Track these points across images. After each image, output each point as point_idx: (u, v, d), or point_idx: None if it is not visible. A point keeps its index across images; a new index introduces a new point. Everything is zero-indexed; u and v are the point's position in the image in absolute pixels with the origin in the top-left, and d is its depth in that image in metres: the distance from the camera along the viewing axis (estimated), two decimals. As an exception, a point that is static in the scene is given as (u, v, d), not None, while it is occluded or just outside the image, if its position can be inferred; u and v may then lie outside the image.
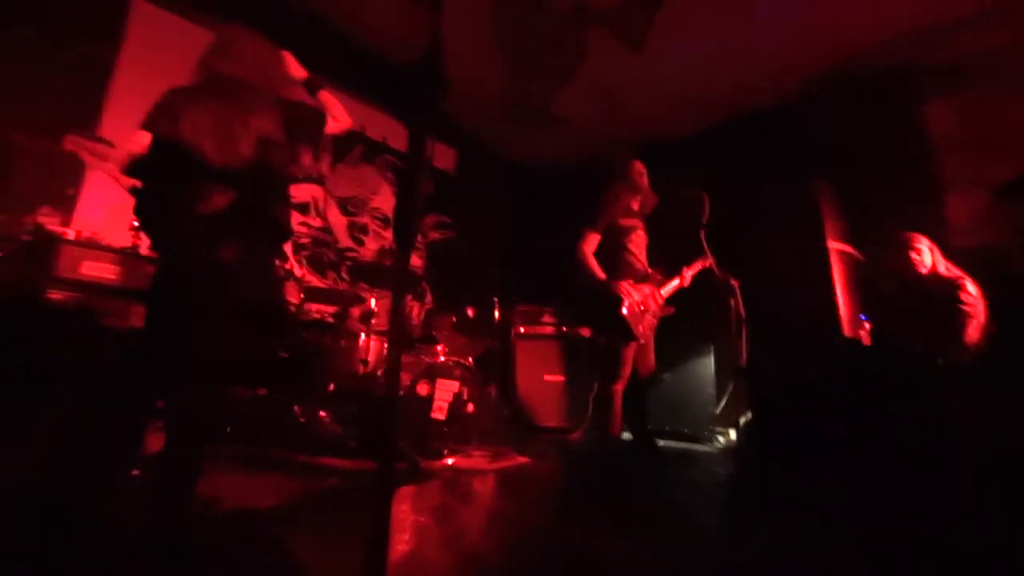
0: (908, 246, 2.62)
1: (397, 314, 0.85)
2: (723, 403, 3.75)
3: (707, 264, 2.73)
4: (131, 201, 1.52)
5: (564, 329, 4.24)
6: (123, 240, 2.31)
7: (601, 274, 2.64)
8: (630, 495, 2.26)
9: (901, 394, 2.22)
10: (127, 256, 2.23)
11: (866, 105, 3.69)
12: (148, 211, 1.52)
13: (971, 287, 2.44)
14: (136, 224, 1.62)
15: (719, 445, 3.64)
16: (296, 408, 2.69)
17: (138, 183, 1.52)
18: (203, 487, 1.56)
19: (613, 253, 2.75)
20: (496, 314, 3.66)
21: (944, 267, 2.58)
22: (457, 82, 4.63)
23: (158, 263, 1.56)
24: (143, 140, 1.51)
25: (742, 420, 3.02)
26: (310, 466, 2.31)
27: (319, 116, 1.82)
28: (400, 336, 0.88)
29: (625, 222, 2.78)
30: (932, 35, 3.41)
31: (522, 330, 4.21)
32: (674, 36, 3.81)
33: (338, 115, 1.84)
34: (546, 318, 4.29)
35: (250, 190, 1.54)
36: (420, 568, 1.27)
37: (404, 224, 0.86)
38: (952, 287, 2.47)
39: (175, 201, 1.47)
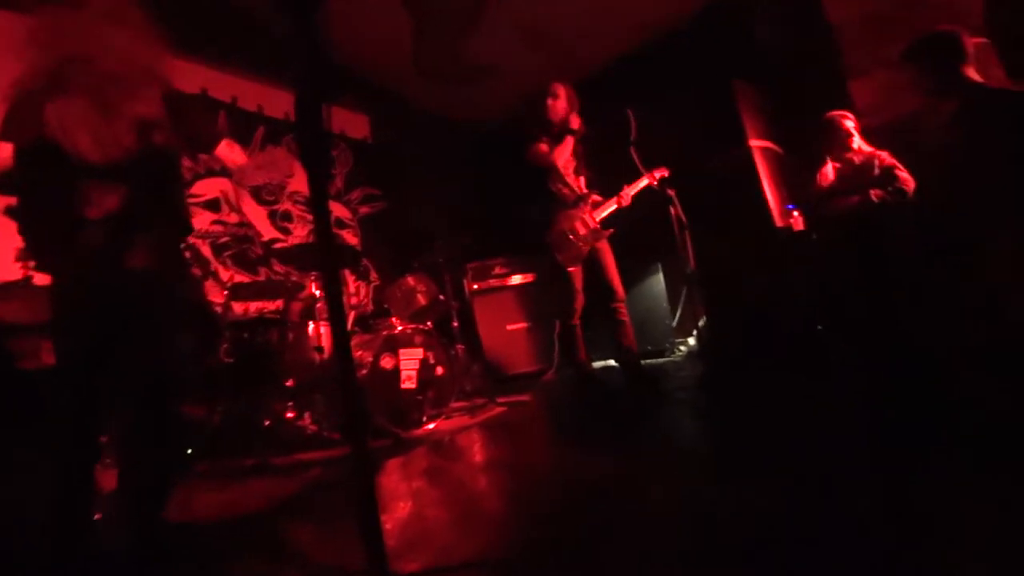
0: (838, 124, 2.68)
1: (330, 291, 0.78)
2: (678, 314, 3.92)
3: (650, 181, 2.73)
4: (11, 225, 1.32)
5: (516, 277, 4.25)
6: (12, 272, 2.03)
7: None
8: (609, 418, 2.35)
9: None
10: (21, 289, 1.98)
11: (770, 5, 3.73)
12: (32, 229, 1.32)
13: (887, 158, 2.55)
14: (21, 250, 1.42)
15: (681, 353, 3.84)
16: (260, 412, 2.57)
17: (12, 199, 1.31)
18: (176, 514, 1.47)
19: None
20: (445, 275, 3.59)
21: (862, 148, 2.65)
22: (362, 42, 4.34)
23: (55, 287, 1.37)
24: (2, 152, 1.29)
25: (699, 323, 3.18)
26: (289, 465, 2.24)
27: (209, 116, 1.62)
28: (338, 310, 0.81)
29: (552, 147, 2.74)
30: None
31: (476, 286, 4.18)
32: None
33: (230, 144, 1.67)
34: (497, 270, 4.27)
35: (142, 182, 1.36)
36: (423, 528, 1.27)
37: (315, 190, 0.77)
38: (877, 158, 2.55)
39: (60, 210, 1.28)
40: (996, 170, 1.90)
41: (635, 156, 2.65)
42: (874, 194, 2.38)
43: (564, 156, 2.73)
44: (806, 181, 2.85)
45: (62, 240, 1.29)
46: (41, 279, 1.94)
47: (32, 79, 1.29)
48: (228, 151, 1.67)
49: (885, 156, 2.55)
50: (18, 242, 1.33)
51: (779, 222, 3.02)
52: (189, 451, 2.29)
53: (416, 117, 5.45)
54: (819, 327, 2.60)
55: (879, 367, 2.10)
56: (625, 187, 2.79)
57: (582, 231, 2.69)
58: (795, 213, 3.09)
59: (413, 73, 4.87)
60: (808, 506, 1.06)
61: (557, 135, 2.75)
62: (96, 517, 1.56)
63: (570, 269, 2.69)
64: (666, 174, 2.78)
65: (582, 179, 2.83)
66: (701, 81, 3.36)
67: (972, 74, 2.04)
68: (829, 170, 2.75)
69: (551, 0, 4.03)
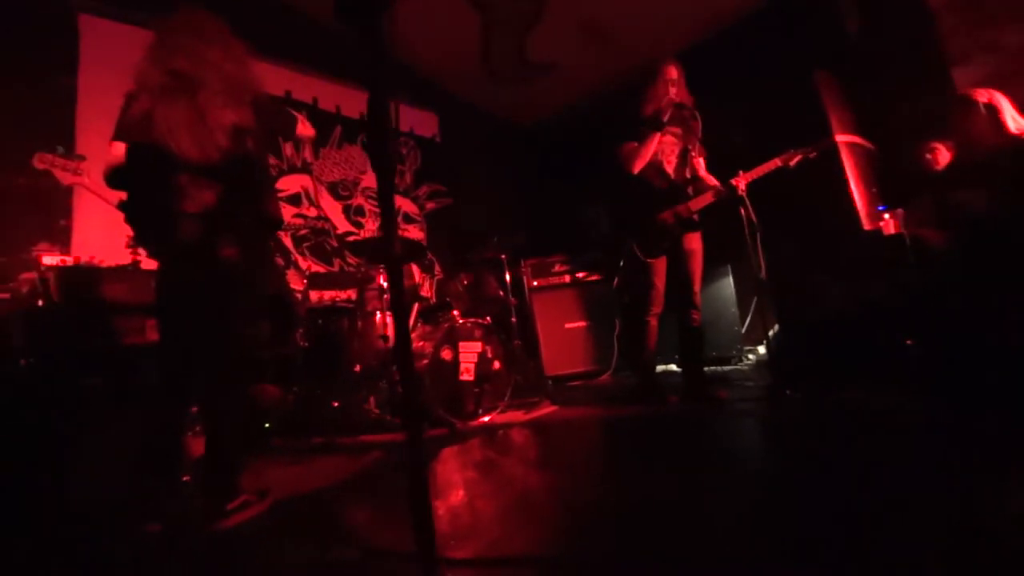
0: (970, 101, 2.14)
1: (394, 282, 0.82)
2: (748, 320, 3.71)
3: (784, 161, 2.42)
4: (121, 216, 1.50)
5: (578, 275, 4.21)
6: (123, 257, 2.31)
7: (640, 162, 2.53)
8: (666, 426, 2.28)
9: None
10: (131, 272, 2.24)
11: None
12: (139, 220, 1.50)
13: None
14: (131, 238, 1.61)
15: (749, 362, 3.64)
16: (330, 395, 2.75)
17: (123, 194, 1.50)
18: (250, 482, 1.61)
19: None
20: (506, 272, 3.63)
21: (1016, 126, 2.07)
22: (431, 44, 4.49)
23: (159, 271, 1.55)
24: (117, 151, 1.47)
25: (770, 333, 2.99)
26: (353, 446, 2.37)
27: (290, 115, 1.77)
28: (400, 301, 0.85)
29: (652, 131, 2.55)
30: None
31: (535, 283, 4.19)
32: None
33: (304, 122, 1.80)
34: (557, 268, 4.25)
35: (235, 180, 1.51)
36: (474, 518, 1.30)
37: (383, 183, 0.81)
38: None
39: (163, 204, 1.45)
40: None
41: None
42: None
43: (667, 140, 2.59)
44: (906, 173, 2.53)
45: (164, 230, 1.46)
46: (148, 264, 2.20)
47: (144, 89, 1.46)
48: (303, 128, 1.80)
49: None
50: (128, 231, 1.50)
51: (867, 225, 2.77)
52: (267, 426, 2.50)
53: (480, 117, 5.56)
54: (908, 342, 2.36)
55: (979, 389, 1.88)
56: (740, 174, 2.47)
57: (670, 221, 2.55)
58: (886, 215, 2.82)
59: (478, 74, 4.96)
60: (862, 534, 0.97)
61: (656, 121, 2.53)
62: (185, 479, 1.75)
63: (649, 260, 2.58)
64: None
65: (691, 165, 2.64)
66: (780, 72, 3.15)
67: None
68: (943, 155, 2.41)
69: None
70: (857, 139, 2.97)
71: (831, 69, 3.16)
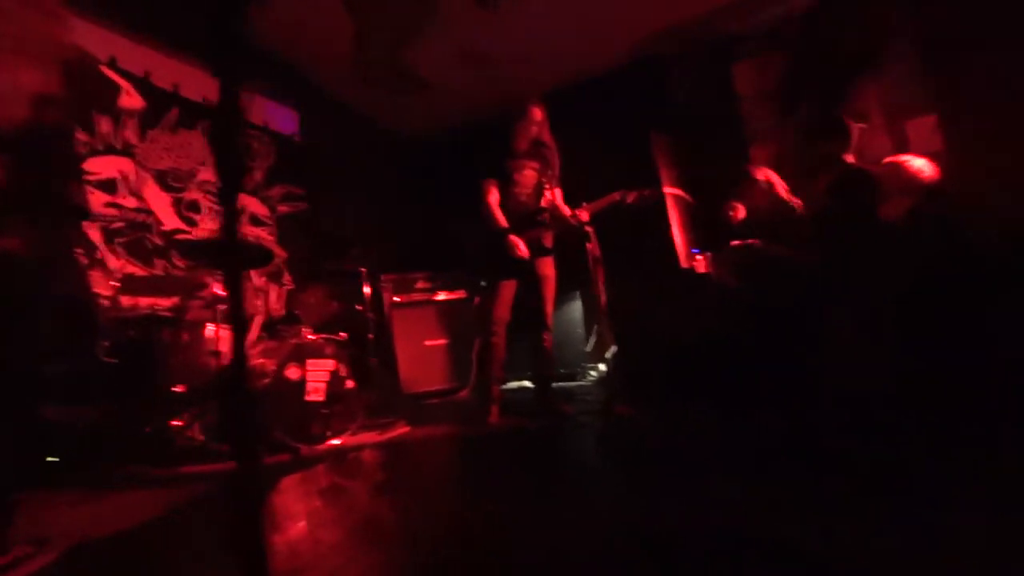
0: (751, 176, 2.85)
1: (233, 291, 0.75)
2: (592, 341, 4.12)
3: (618, 198, 2.75)
4: None
5: (440, 293, 4.23)
6: None
7: (503, 223, 2.72)
8: (514, 440, 2.41)
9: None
10: None
11: (691, 66, 4.15)
12: None
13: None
14: None
15: (591, 378, 4.03)
16: (142, 418, 2.32)
17: None
18: (23, 530, 1.28)
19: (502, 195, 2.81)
20: (365, 286, 3.50)
21: (785, 194, 2.79)
22: (300, 36, 4.19)
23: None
24: None
25: (607, 354, 3.36)
26: (169, 478, 2.04)
27: (111, 82, 1.49)
28: (239, 315, 0.78)
29: (515, 163, 2.82)
30: (742, 5, 3.92)
31: (397, 299, 4.11)
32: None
33: (130, 91, 1.54)
34: (419, 284, 4.23)
35: (30, 160, 1.22)
36: (314, 547, 1.22)
37: (226, 184, 0.75)
38: (795, 207, 2.72)
39: None
40: (851, 234, 2.28)
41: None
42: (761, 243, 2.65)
43: (526, 174, 2.81)
44: (714, 222, 3.12)
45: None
46: None
47: None
48: (130, 99, 1.54)
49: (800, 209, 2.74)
50: None
51: (684, 263, 3.32)
52: (52, 458, 2.01)
53: (347, 119, 5.32)
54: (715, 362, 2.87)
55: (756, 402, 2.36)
56: (584, 206, 2.75)
57: (523, 250, 2.71)
58: (698, 256, 3.41)
59: (348, 75, 4.78)
60: (690, 520, 1.17)
61: (523, 153, 2.82)
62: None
63: (502, 282, 2.74)
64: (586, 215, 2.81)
65: (547, 194, 2.86)
66: (624, 126, 3.64)
67: (847, 157, 2.45)
68: (740, 211, 3.02)
69: (492, 26, 4.15)
70: (679, 192, 3.56)
71: (664, 129, 3.76)
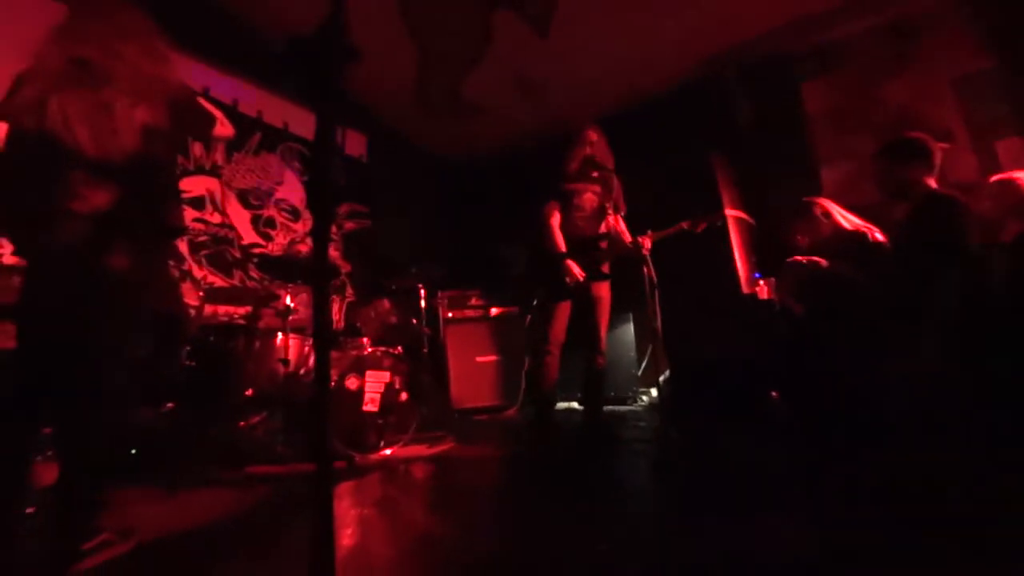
0: (808, 210, 2.76)
1: (320, 308, 0.81)
2: (644, 365, 4.01)
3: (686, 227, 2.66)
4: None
5: (493, 310, 4.29)
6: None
7: (562, 247, 2.72)
8: (566, 465, 2.37)
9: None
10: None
11: (754, 87, 4.05)
12: (9, 212, 1.32)
13: (877, 235, 2.56)
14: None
15: (643, 404, 3.91)
16: (214, 420, 2.50)
17: None
18: (113, 520, 1.41)
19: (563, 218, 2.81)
20: (422, 301, 3.62)
21: (847, 223, 2.66)
22: (367, 65, 4.45)
23: (28, 271, 1.35)
24: None
25: (661, 379, 3.27)
26: (237, 479, 2.17)
27: (209, 115, 1.66)
28: (325, 331, 0.84)
29: (575, 187, 2.80)
30: (806, 23, 3.80)
31: (450, 315, 4.21)
32: (580, 24, 3.90)
33: (223, 121, 1.71)
34: (473, 301, 4.31)
35: (135, 184, 1.38)
36: (367, 561, 1.26)
37: (320, 212, 0.82)
38: (857, 236, 2.58)
39: (44, 198, 1.28)
40: (926, 262, 2.12)
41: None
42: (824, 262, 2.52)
43: (587, 198, 2.81)
44: (778, 248, 3.00)
45: (41, 227, 1.30)
46: (9, 259, 1.90)
47: (42, 71, 1.32)
48: (222, 128, 1.71)
49: (865, 232, 2.59)
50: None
51: (746, 289, 3.19)
52: (133, 452, 2.20)
53: (408, 145, 5.59)
54: (773, 394, 2.72)
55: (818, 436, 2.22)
56: (649, 233, 2.66)
57: (578, 273, 2.70)
58: (761, 282, 3.27)
59: (409, 103, 5.02)
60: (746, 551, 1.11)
61: (584, 176, 2.80)
62: (29, 511, 1.50)
63: (558, 303, 2.74)
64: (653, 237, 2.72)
65: (609, 219, 2.84)
66: (683, 149, 3.58)
67: (929, 181, 2.28)
68: (803, 240, 2.89)
69: (546, 51, 4.23)
70: (742, 214, 3.44)
71: (724, 151, 3.67)
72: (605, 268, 2.80)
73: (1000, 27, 3.30)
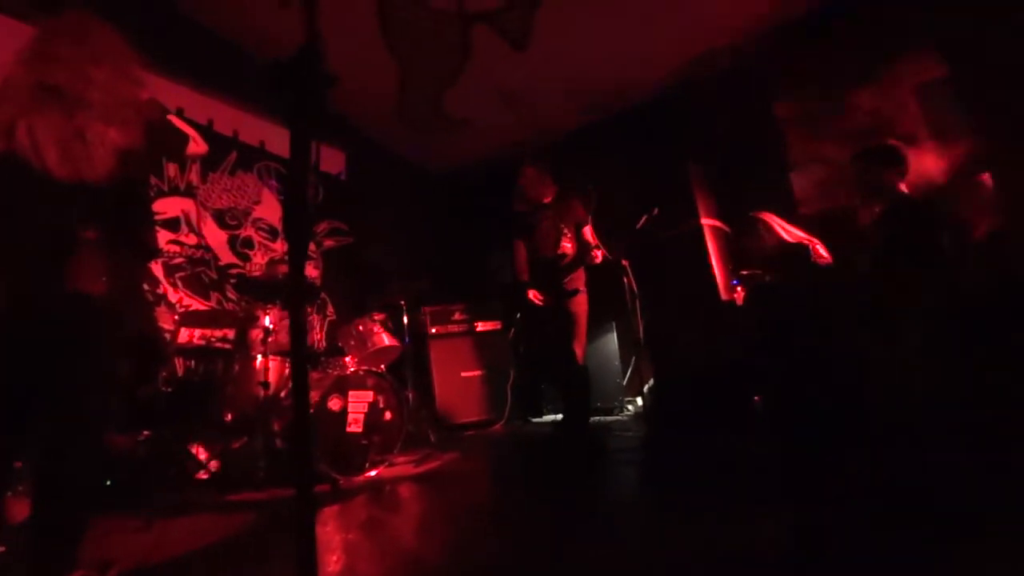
0: (752, 225, 2.96)
1: (297, 329, 0.81)
2: (628, 374, 4.04)
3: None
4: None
5: (477, 324, 4.28)
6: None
7: (524, 277, 2.95)
8: (555, 477, 2.37)
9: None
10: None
11: (726, 96, 4.17)
12: None
13: (820, 248, 2.77)
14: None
15: (628, 413, 3.93)
16: (192, 446, 2.43)
17: None
18: (90, 552, 1.36)
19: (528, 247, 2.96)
20: (404, 318, 3.59)
21: (788, 236, 2.87)
22: (345, 80, 4.47)
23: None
24: None
25: (645, 388, 3.29)
26: (218, 505, 2.11)
27: (182, 134, 1.64)
28: (302, 352, 0.83)
29: (529, 219, 2.98)
30: (778, 35, 3.94)
31: (434, 330, 4.18)
32: (557, 36, 3.98)
33: (197, 139, 1.69)
34: (456, 316, 4.29)
35: (108, 207, 1.35)
36: (352, 587, 1.23)
37: (296, 232, 0.82)
38: (799, 249, 2.79)
39: (14, 222, 1.25)
40: (903, 262, 2.22)
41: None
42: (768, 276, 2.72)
43: (543, 226, 2.93)
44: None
45: (11, 251, 1.26)
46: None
47: (10, 95, 1.29)
48: (196, 146, 1.68)
49: (807, 244, 2.81)
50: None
51: (724, 295, 3.24)
52: (108, 483, 2.13)
53: (388, 160, 5.58)
54: (755, 398, 2.77)
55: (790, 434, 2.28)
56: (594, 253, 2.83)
57: (537, 300, 2.85)
58: (739, 288, 3.33)
59: (390, 117, 5.04)
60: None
61: (537, 205, 2.97)
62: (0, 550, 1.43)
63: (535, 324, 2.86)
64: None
65: (564, 242, 2.90)
66: (659, 159, 3.65)
67: (902, 185, 2.40)
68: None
69: (524, 63, 4.29)
70: (717, 223, 3.51)
71: (700, 160, 3.75)
72: (579, 284, 2.84)
73: (951, 40, 3.45)
